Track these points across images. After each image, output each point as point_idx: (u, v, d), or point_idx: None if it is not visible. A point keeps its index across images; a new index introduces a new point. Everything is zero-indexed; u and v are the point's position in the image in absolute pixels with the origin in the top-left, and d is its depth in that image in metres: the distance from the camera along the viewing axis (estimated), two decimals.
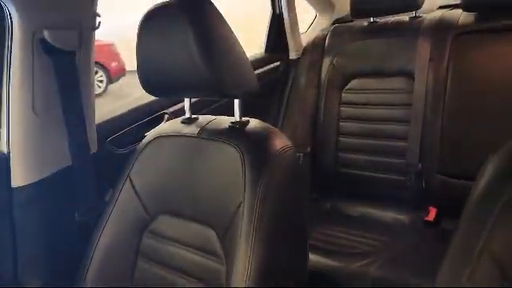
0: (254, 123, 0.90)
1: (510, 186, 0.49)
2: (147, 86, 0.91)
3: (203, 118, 0.98)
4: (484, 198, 0.51)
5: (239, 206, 0.77)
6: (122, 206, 0.97)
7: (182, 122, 0.98)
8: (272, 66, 1.79)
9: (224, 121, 0.92)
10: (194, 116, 0.99)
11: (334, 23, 1.91)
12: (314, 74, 1.71)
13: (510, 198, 0.48)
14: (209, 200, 0.85)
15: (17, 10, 0.88)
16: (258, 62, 1.76)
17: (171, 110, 1.33)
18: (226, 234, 0.79)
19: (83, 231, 1.02)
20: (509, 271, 0.47)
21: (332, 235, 1.40)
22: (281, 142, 0.84)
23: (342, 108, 1.64)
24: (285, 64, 1.83)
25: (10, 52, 0.91)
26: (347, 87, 1.63)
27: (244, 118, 0.90)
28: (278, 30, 1.78)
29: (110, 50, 7.14)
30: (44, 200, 1.01)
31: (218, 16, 0.81)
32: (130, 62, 7.66)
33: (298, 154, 1.67)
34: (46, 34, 0.92)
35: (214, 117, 0.97)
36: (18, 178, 0.97)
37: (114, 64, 7.30)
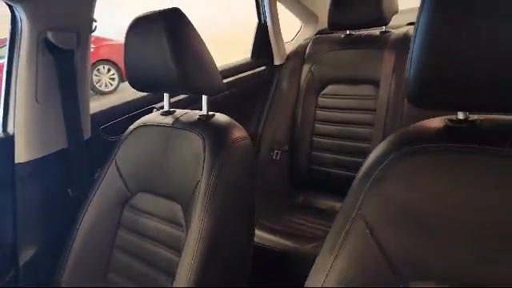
0: (218, 117, 1.06)
1: (380, 166, 0.65)
2: (132, 82, 1.09)
3: (179, 112, 1.14)
4: (361, 177, 0.67)
5: (198, 183, 0.94)
6: (108, 183, 1.14)
7: (162, 114, 1.15)
8: (258, 70, 1.96)
9: (195, 114, 1.09)
10: (172, 109, 1.16)
11: (316, 34, 2.08)
12: (294, 79, 1.87)
13: (377, 177, 0.64)
14: (176, 179, 1.01)
15: (26, 15, 1.06)
16: (245, 66, 1.93)
17: (159, 105, 1.50)
18: (188, 207, 0.95)
19: (74, 204, 1.19)
20: (374, 229, 0.63)
21: (298, 223, 1.56)
22: (237, 132, 1.00)
23: (317, 111, 1.80)
24: (269, 69, 2.00)
25: (19, 50, 1.09)
26: (323, 92, 1.79)
27: (210, 112, 1.07)
28: (263, 38, 1.95)
29: (122, 49, 7.33)
30: (42, 176, 1.18)
31: (188, 26, 0.98)
32: None
33: (276, 150, 1.84)
34: (49, 34, 1.10)
35: (187, 110, 1.13)
36: (21, 155, 1.15)
37: None
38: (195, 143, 0.98)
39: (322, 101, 1.79)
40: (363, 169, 0.68)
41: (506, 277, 0.54)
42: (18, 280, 1.17)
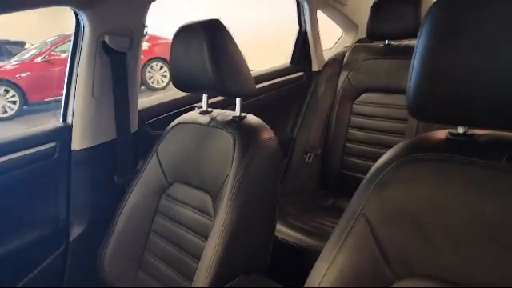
0: (249, 118, 1.15)
1: (384, 171, 0.71)
2: (176, 82, 1.21)
3: (215, 111, 1.25)
4: (367, 180, 0.74)
5: (226, 178, 1.04)
6: (149, 174, 1.26)
7: (200, 113, 1.26)
8: (296, 75, 2.04)
9: (229, 114, 1.19)
10: (209, 109, 1.27)
11: (357, 42, 2.12)
12: (331, 86, 1.93)
13: (380, 181, 0.71)
14: (208, 173, 1.12)
15: (88, 21, 1.21)
16: (284, 71, 2.02)
17: (199, 104, 1.62)
18: (216, 199, 1.06)
19: (118, 190, 1.33)
20: (374, 228, 0.70)
21: (323, 223, 1.62)
22: (266, 134, 1.09)
23: (351, 117, 1.85)
24: (307, 74, 2.08)
25: (80, 51, 1.25)
26: (358, 99, 1.84)
27: (243, 114, 1.17)
28: (302, 45, 2.03)
29: None
30: (93, 163, 1.33)
31: (226, 35, 1.08)
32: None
33: (309, 154, 1.91)
34: (106, 38, 1.24)
35: (223, 111, 1.24)
36: (76, 143, 1.30)
37: None
38: (227, 141, 1.08)
39: (356, 108, 1.84)
40: (369, 173, 0.75)
41: (491, 278, 0.59)
42: (68, 253, 1.33)
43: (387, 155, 0.74)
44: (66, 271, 1.34)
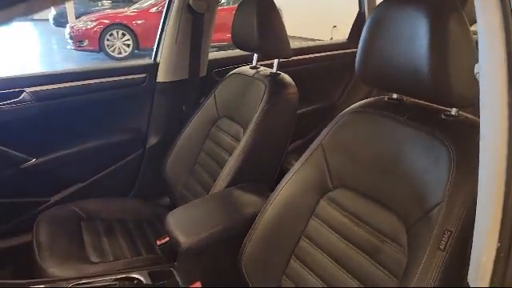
0: (283, 75, 1.49)
1: (340, 118, 1.04)
2: (236, 43, 1.54)
3: (261, 68, 1.60)
4: (331, 123, 1.06)
5: (254, 115, 1.40)
6: (207, 108, 1.66)
7: (250, 68, 1.63)
8: (351, 50, 2.30)
9: (269, 71, 1.54)
10: (257, 65, 1.63)
11: None
12: None
13: (337, 123, 1.04)
14: (245, 110, 1.47)
15: None
16: (341, 46, 2.29)
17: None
18: (246, 129, 1.40)
19: (184, 117, 1.77)
20: (326, 154, 1.03)
21: None
22: (290, 89, 1.43)
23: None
24: None
25: (171, 11, 1.69)
26: None
27: (278, 72, 1.51)
28: (360, 25, 2.27)
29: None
30: (169, 93, 1.80)
31: (273, 9, 1.42)
32: (291, 28, 8.53)
33: None
34: (190, 1, 1.66)
35: (265, 68, 1.59)
36: (160, 77, 1.78)
37: None
38: (260, 89, 1.44)
39: None
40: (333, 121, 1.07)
41: (382, 192, 0.90)
42: (144, 156, 1.83)
43: (346, 110, 1.05)
44: (140, 169, 1.85)
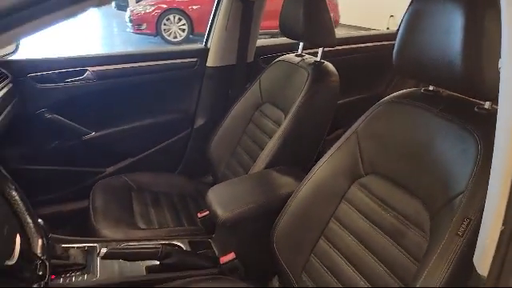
0: (326, 64, 1.52)
1: (376, 108, 1.07)
2: (281, 29, 1.61)
3: (307, 56, 1.65)
4: (366, 112, 1.09)
5: (295, 101, 1.45)
6: (251, 93, 1.74)
7: (296, 56, 1.68)
8: None
9: (313, 59, 1.58)
10: (302, 53, 1.67)
11: None
12: None
13: (372, 113, 1.07)
14: (286, 96, 1.53)
15: None
16: (388, 37, 2.27)
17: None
18: (286, 115, 1.46)
19: (231, 100, 1.86)
20: (360, 141, 1.07)
21: None
22: (332, 77, 1.47)
23: None
24: None
25: (222, 2, 1.76)
26: None
27: (322, 60, 1.54)
28: None
29: (331, 0, 7.92)
30: (217, 77, 1.89)
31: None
32: (346, 16, 8.40)
33: None
34: None
35: (310, 56, 1.63)
36: (210, 61, 1.87)
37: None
38: (303, 76, 1.49)
39: None
40: (370, 109, 1.10)
41: (414, 176, 0.93)
42: (191, 135, 1.95)
43: (383, 100, 1.08)
44: (187, 148, 1.97)
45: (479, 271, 0.55)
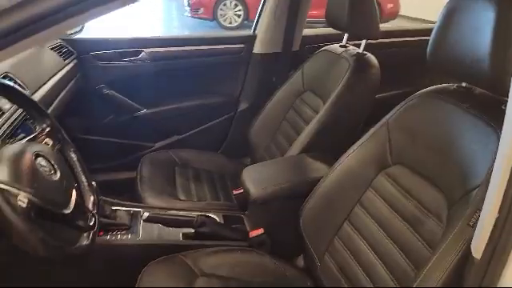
0: (368, 56, 1.54)
1: (408, 101, 1.09)
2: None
3: (351, 47, 1.67)
4: (399, 105, 1.12)
5: (335, 87, 1.49)
6: (294, 80, 1.79)
7: (340, 46, 1.71)
8: None
9: (355, 50, 1.60)
10: (346, 44, 1.70)
11: None
12: None
13: (403, 106, 1.10)
14: (326, 85, 1.58)
15: None
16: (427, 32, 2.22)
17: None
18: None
19: (274, 87, 1.91)
20: (390, 132, 1.10)
21: None
22: (373, 69, 1.49)
23: None
24: None
25: None
26: None
27: (364, 52, 1.57)
28: None
29: None
30: (262, 64, 1.97)
31: None
32: (407, 6, 8.03)
33: None
34: None
35: (352, 47, 1.65)
36: (257, 48, 1.95)
37: (389, 6, 7.73)
38: (344, 66, 1.53)
39: None
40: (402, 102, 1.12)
41: (437, 168, 0.96)
42: (234, 118, 2.04)
43: (418, 93, 1.10)
44: (230, 130, 2.07)
45: (474, 255, 0.59)
